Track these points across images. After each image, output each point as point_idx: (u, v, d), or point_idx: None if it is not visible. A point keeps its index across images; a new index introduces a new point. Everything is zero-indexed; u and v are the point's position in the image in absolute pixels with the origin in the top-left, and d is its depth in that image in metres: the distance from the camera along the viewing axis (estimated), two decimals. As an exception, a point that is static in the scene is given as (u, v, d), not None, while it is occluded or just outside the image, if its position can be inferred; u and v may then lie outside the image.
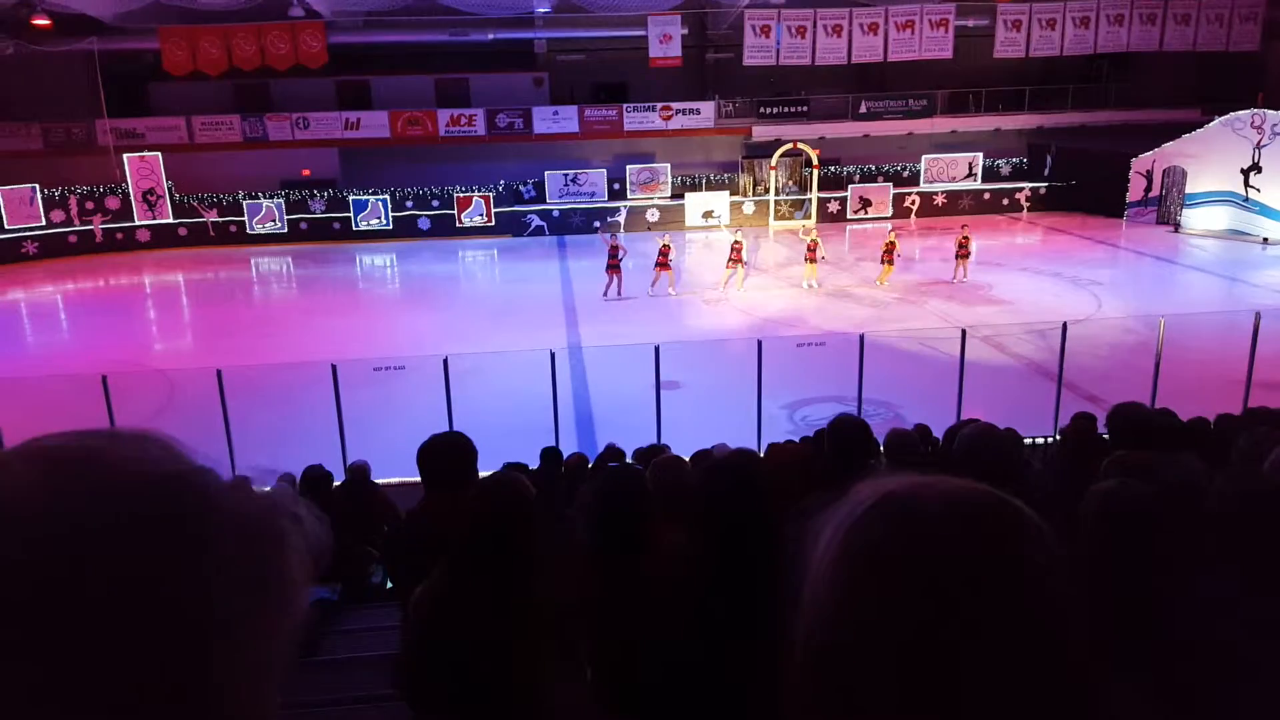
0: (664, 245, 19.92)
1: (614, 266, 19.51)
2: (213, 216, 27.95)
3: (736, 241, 19.79)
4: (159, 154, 27.16)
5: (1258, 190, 24.31)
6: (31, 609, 0.54)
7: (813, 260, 19.91)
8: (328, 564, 0.70)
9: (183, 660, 0.58)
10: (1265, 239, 23.79)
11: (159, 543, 0.59)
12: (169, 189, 27.38)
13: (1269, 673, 1.72)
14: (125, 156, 26.81)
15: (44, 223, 26.26)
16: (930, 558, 0.69)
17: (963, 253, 20.34)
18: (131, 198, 27.14)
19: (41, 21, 24.43)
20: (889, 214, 30.12)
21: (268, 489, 0.66)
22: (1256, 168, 24.25)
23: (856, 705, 0.69)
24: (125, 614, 0.56)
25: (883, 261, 20.27)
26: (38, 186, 25.99)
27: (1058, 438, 8.60)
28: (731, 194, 29.72)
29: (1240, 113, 24.58)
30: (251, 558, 0.63)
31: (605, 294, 19.64)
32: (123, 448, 0.63)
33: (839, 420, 3.58)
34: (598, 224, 21.12)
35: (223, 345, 16.40)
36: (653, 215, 29.22)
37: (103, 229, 27.11)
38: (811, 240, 20.12)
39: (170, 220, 27.64)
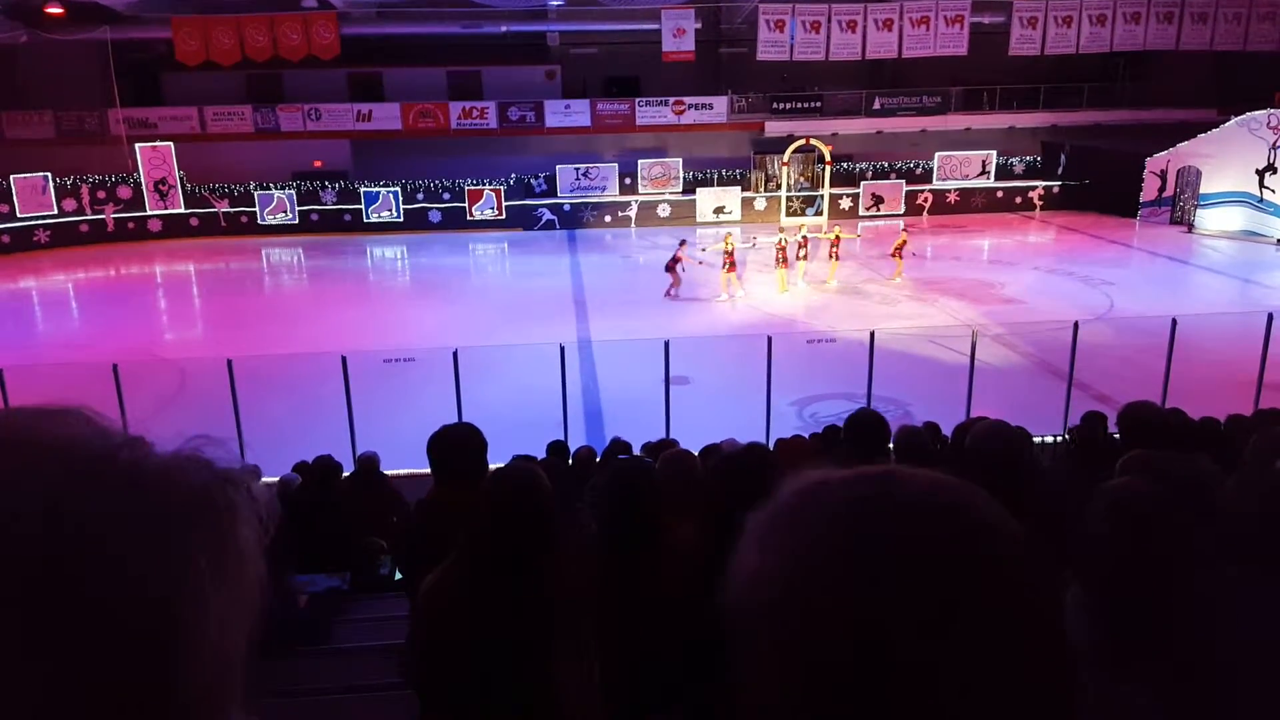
0: (728, 248, 18.83)
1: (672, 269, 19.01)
2: (224, 207, 28.05)
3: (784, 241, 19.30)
4: (171, 144, 27.27)
5: (1272, 191, 24.12)
6: None
7: (836, 257, 19.82)
8: (270, 536, 0.68)
9: (138, 634, 0.56)
10: (1279, 240, 23.62)
11: (94, 518, 0.57)
12: (181, 179, 27.48)
13: (1275, 670, 1.72)
14: (137, 146, 26.92)
15: (56, 211, 26.41)
16: (881, 551, 0.64)
17: (898, 253, 20.13)
18: (143, 187, 27.25)
19: (55, 10, 24.53)
20: (901, 211, 30.02)
21: (213, 457, 0.64)
22: (1272, 168, 24.07)
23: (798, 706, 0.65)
24: (70, 596, 0.54)
25: (893, 258, 20.23)
26: (50, 175, 26.13)
27: (1067, 437, 8.58)
28: (743, 190, 29.68)
29: (1256, 113, 24.38)
30: (201, 528, 0.61)
31: (668, 294, 19.07)
32: (48, 423, 0.62)
33: (857, 415, 3.57)
34: (685, 240, 20.48)
35: (233, 335, 16.47)
36: (664, 210, 29.20)
37: (114, 218, 27.23)
38: (835, 235, 19.91)
39: (182, 210, 27.76)
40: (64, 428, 0.62)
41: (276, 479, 8.05)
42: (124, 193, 27.22)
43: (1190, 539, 2.06)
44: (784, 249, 19.21)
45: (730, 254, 18.79)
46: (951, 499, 0.69)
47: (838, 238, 19.90)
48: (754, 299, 19.03)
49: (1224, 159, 25.03)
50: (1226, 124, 25.35)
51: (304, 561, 6.45)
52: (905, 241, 20.24)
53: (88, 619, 0.55)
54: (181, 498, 0.62)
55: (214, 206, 27.99)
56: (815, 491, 0.70)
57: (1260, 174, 24.30)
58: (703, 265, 19.90)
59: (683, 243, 19.70)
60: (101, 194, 27.08)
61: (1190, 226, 25.93)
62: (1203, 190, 25.85)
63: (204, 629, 0.59)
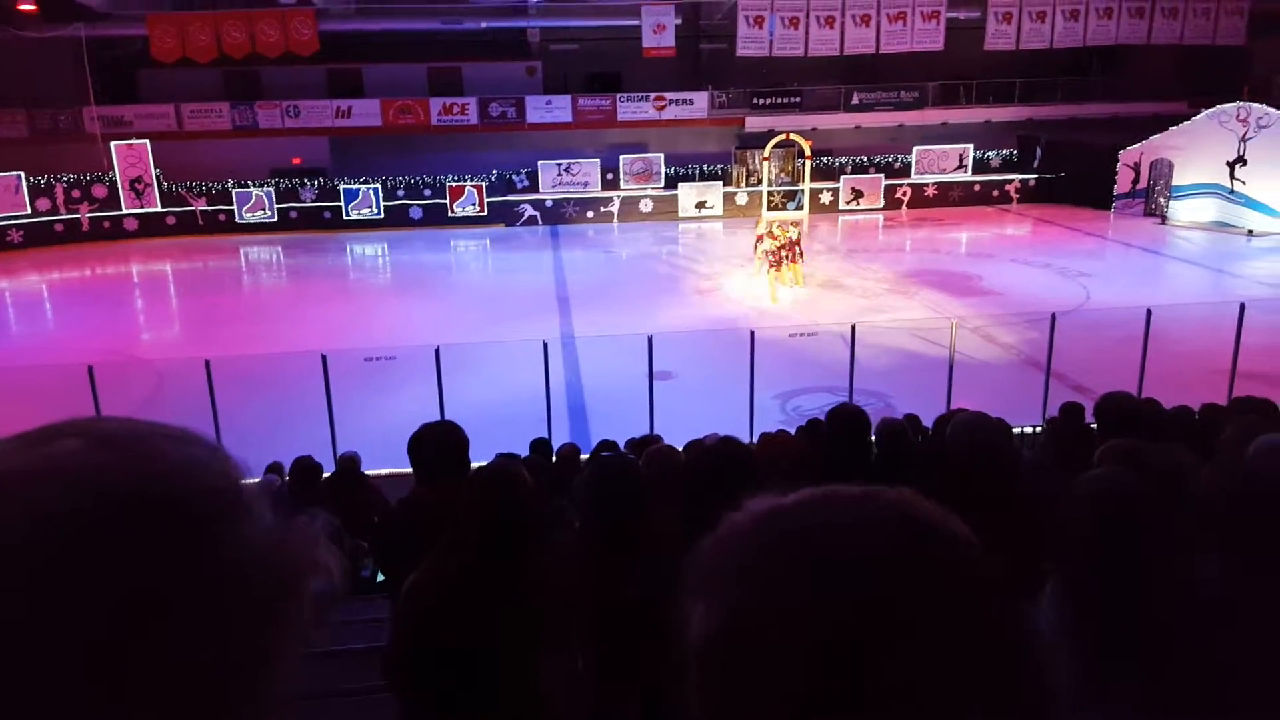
0: (792, 237, 18.38)
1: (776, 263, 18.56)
2: (201, 205, 27.77)
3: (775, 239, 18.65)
4: (147, 142, 26.94)
5: (1243, 183, 24.44)
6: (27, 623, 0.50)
7: (794, 260, 18.77)
8: (338, 604, 0.65)
9: (186, 694, 0.54)
10: (1250, 231, 23.93)
11: (168, 568, 0.54)
12: (157, 177, 27.17)
13: (1254, 658, 1.74)
14: (113, 144, 26.57)
15: (29, 211, 26.04)
16: (830, 563, 0.65)
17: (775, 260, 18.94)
18: (119, 186, 26.93)
19: (27, 7, 24.19)
20: (880, 205, 30.20)
21: (298, 519, 0.61)
22: (1242, 160, 24.37)
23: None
24: (124, 646, 0.52)
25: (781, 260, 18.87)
26: (23, 174, 25.77)
27: (1046, 427, 8.64)
28: (725, 185, 29.72)
29: (1226, 106, 24.69)
30: (265, 597, 0.59)
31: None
32: (170, 445, 0.59)
33: (839, 409, 3.59)
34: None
35: (211, 335, 16.32)
36: (646, 206, 29.19)
37: (89, 217, 26.89)
38: (794, 237, 18.84)
39: (158, 209, 27.45)
40: (186, 451, 0.60)
41: (256, 480, 8.00)
42: (99, 191, 26.89)
43: (1170, 529, 2.08)
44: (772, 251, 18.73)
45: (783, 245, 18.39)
46: (890, 505, 0.70)
47: (796, 238, 18.99)
48: (737, 292, 19.05)
49: (1195, 151, 25.32)
50: (1197, 117, 25.64)
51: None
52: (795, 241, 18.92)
53: (161, 666, 0.53)
54: (287, 568, 0.60)
55: (191, 205, 27.71)
56: (754, 533, 0.70)
57: (1231, 166, 24.61)
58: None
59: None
60: (76, 193, 26.73)
61: (1163, 218, 26.22)
62: (1175, 182, 26.14)
63: (247, 686, 0.58)
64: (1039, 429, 9.76)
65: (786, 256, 18.63)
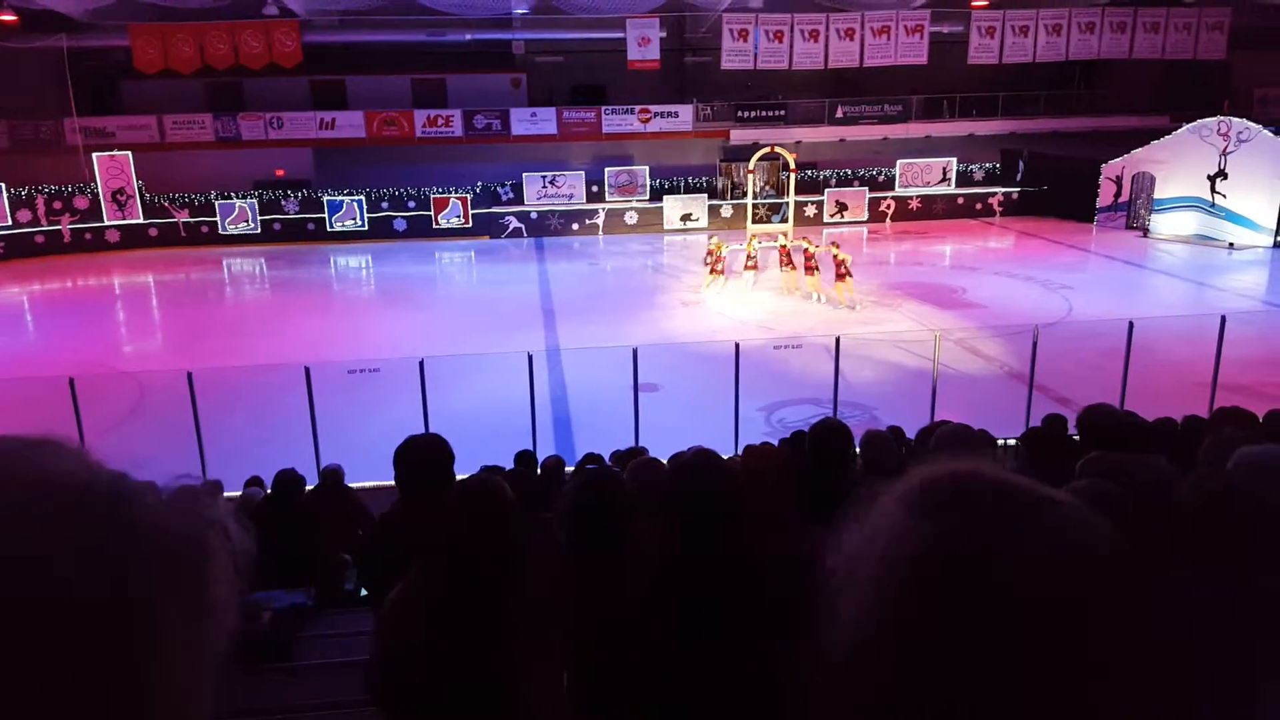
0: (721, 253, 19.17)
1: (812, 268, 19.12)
2: (184, 217, 27.62)
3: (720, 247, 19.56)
4: (129, 153, 26.79)
5: (1224, 196, 24.73)
6: None
7: (811, 272, 19.00)
8: (250, 578, 0.67)
9: (101, 679, 0.55)
10: (1231, 244, 24.21)
11: (65, 559, 0.55)
12: (139, 189, 27.02)
13: (1230, 668, 1.75)
14: (95, 155, 26.42)
15: (10, 223, 25.83)
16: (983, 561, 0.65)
17: (717, 267, 19.38)
18: (101, 197, 26.75)
19: (8, 18, 24.02)
20: (865, 218, 30.37)
21: (193, 490, 0.62)
22: (1222, 174, 24.68)
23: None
24: (41, 635, 0.53)
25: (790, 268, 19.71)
26: (4, 186, 25.56)
27: (1022, 438, 8.68)
28: (710, 197, 29.82)
29: (1207, 120, 25.01)
30: (177, 576, 0.60)
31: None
32: (27, 455, 0.60)
33: (820, 425, 3.60)
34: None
35: (194, 347, 16.21)
36: (631, 218, 29.25)
37: (71, 229, 26.70)
38: (808, 249, 19.13)
39: (140, 220, 27.28)
40: (43, 460, 0.60)
41: (239, 493, 7.94)
42: (81, 203, 26.71)
43: (1151, 541, 2.09)
44: (753, 255, 19.41)
45: (722, 258, 19.28)
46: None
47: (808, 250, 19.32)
48: (722, 304, 19.11)
49: (1177, 165, 25.62)
50: (1179, 130, 25.96)
51: (266, 577, 6.35)
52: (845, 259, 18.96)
53: (50, 661, 0.53)
54: (162, 543, 0.60)
55: (174, 216, 27.55)
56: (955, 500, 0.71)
57: (1212, 179, 24.91)
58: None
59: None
60: (58, 204, 26.53)
61: (1145, 231, 26.49)
62: (1157, 195, 26.43)
63: (170, 676, 0.58)
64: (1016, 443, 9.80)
65: (748, 264, 19.45)
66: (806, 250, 19.03)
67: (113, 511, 0.59)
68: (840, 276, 18.51)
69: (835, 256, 18.60)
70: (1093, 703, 0.63)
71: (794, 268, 19.60)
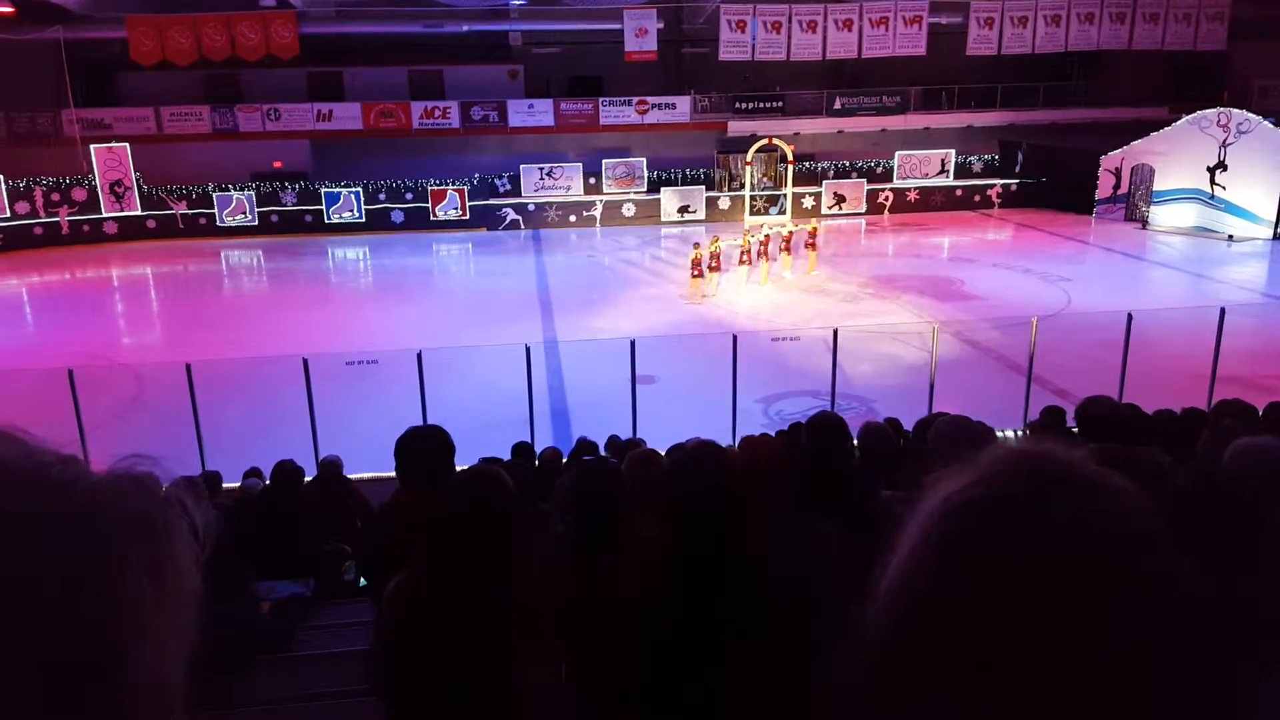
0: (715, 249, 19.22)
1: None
2: (182, 209, 27.57)
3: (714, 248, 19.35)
4: (127, 145, 26.73)
5: (1223, 188, 24.71)
6: None
7: (813, 247, 20.88)
8: (210, 551, 0.67)
9: (72, 656, 0.56)
10: (1230, 236, 24.20)
11: (21, 541, 0.56)
12: (137, 180, 26.96)
13: (1219, 662, 1.75)
14: (92, 147, 26.36)
15: (8, 214, 25.77)
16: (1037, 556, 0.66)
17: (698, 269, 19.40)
18: (98, 189, 26.70)
19: (5, 9, 23.94)
20: (863, 210, 30.35)
21: (147, 474, 0.64)
22: (1222, 165, 24.65)
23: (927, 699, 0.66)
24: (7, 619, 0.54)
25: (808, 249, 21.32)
26: (1, 178, 25.50)
27: (1026, 431, 8.70)
28: (708, 189, 29.78)
29: (1206, 111, 24.95)
30: (134, 549, 0.61)
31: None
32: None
33: (818, 417, 3.60)
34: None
35: (192, 339, 16.19)
36: (629, 210, 29.21)
37: (69, 221, 26.65)
38: (813, 228, 21.18)
39: (138, 212, 27.23)
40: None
41: (238, 484, 7.95)
42: (79, 195, 26.65)
43: (1149, 532, 2.09)
44: (748, 249, 19.52)
45: (717, 255, 19.15)
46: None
47: (814, 230, 21.03)
48: (720, 296, 19.10)
49: (1176, 157, 25.58)
50: (1178, 122, 25.91)
51: (266, 568, 6.36)
52: (816, 230, 21.37)
53: (18, 642, 0.54)
54: (114, 519, 0.61)
55: (171, 208, 27.50)
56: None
57: (1211, 171, 24.88)
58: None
59: (696, 244, 19.68)
60: (55, 196, 26.48)
61: (1144, 223, 26.48)
62: (1156, 187, 26.40)
63: (139, 649, 0.59)
64: (1020, 433, 9.82)
65: (711, 266, 19.17)
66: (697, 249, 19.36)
67: (59, 489, 0.60)
68: (810, 246, 20.94)
69: (811, 229, 21.19)
70: (1141, 673, 0.66)
71: (771, 258, 20.44)
